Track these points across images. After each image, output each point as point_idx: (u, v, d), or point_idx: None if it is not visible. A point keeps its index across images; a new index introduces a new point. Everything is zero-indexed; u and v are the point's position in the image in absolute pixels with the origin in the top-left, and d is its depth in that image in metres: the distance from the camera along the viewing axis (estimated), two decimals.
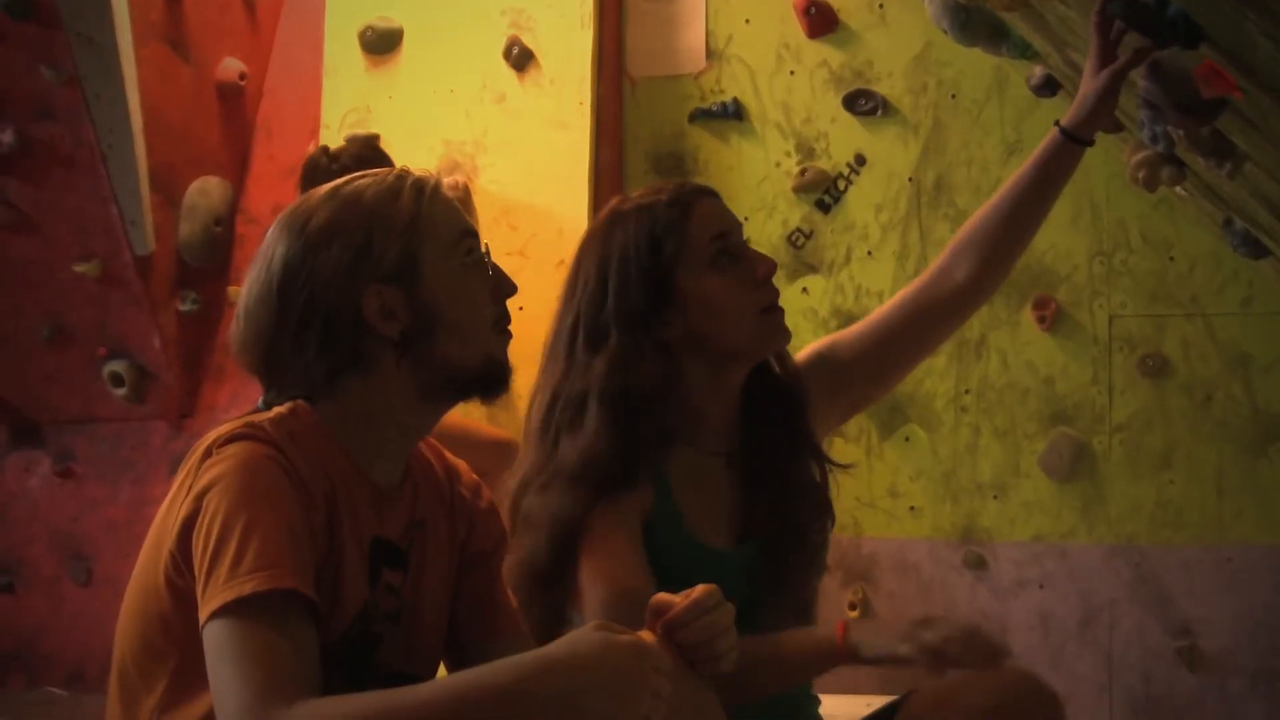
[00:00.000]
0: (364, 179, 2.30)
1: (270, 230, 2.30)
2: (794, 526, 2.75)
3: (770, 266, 2.76)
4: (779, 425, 2.80)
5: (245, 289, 2.28)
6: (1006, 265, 3.00)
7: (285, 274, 2.23)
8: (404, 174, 2.33)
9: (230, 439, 2.12)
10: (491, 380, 2.34)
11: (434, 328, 2.25)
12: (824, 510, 2.84)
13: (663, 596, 2.14)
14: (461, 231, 2.32)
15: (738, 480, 2.78)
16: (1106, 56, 2.84)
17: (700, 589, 2.13)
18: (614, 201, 2.83)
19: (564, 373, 2.74)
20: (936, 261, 2.97)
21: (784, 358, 2.87)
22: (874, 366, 2.97)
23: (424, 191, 2.30)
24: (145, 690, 2.14)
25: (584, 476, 2.62)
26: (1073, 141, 2.91)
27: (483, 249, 2.35)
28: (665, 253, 2.70)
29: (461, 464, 2.51)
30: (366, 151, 5.46)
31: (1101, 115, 2.90)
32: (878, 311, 2.98)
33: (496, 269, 2.36)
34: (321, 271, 2.21)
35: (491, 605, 2.44)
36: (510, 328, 2.38)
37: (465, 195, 5.72)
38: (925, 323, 2.96)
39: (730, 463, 2.78)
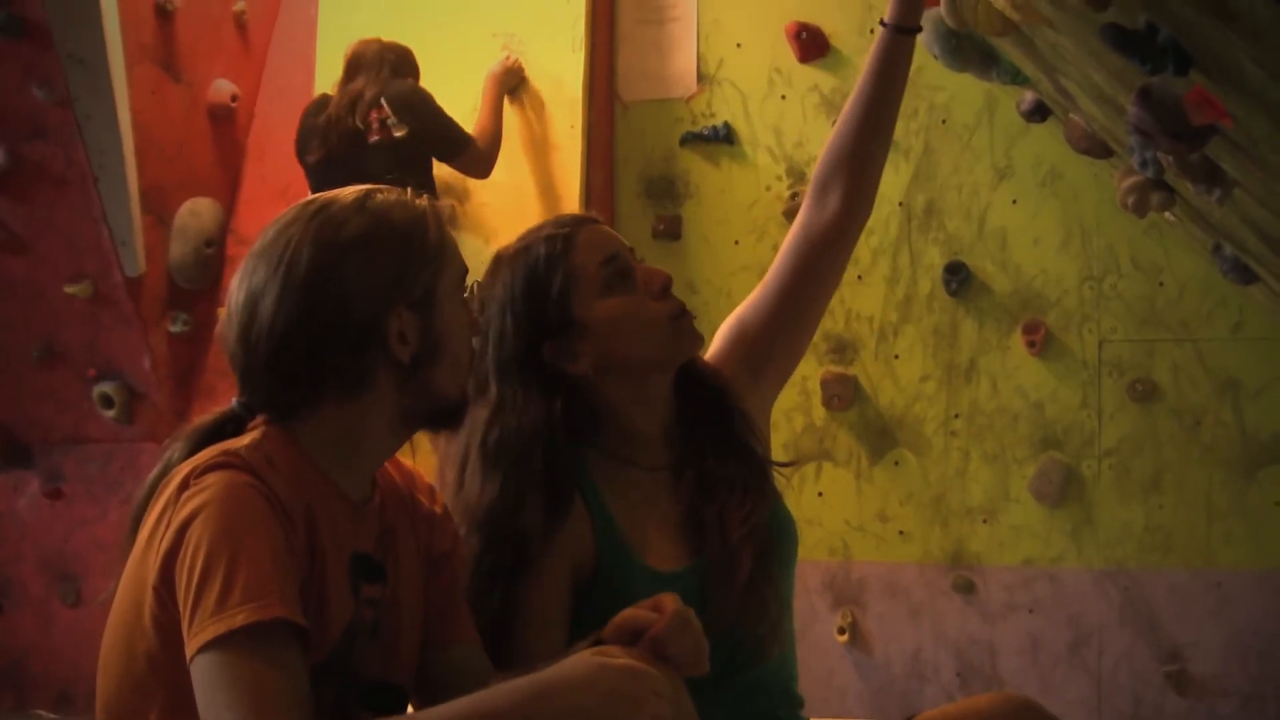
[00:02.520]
0: (384, 195, 2.29)
1: (279, 230, 2.24)
2: (728, 527, 2.73)
3: (665, 278, 2.74)
4: (710, 428, 2.79)
5: (248, 286, 2.22)
6: (872, 176, 2.99)
7: (311, 278, 2.19)
8: (419, 197, 2.33)
9: (207, 469, 2.09)
10: (458, 414, 2.36)
11: (435, 358, 2.25)
12: (757, 503, 2.80)
13: (633, 613, 2.12)
14: (464, 268, 2.34)
15: (684, 492, 2.77)
16: None
17: (669, 600, 2.12)
18: (500, 249, 2.80)
19: (491, 414, 2.72)
20: (806, 200, 2.96)
21: (699, 364, 2.85)
22: (786, 323, 2.94)
23: (442, 221, 2.32)
24: None
25: (486, 529, 2.60)
26: (901, 33, 2.94)
27: (469, 288, 2.37)
28: (554, 288, 2.68)
29: (416, 469, 2.51)
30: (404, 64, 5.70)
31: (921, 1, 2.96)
32: (769, 272, 2.96)
33: (470, 307, 2.38)
34: (352, 284, 2.19)
35: (450, 610, 2.43)
36: None
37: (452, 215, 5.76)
38: (818, 261, 2.93)
39: (676, 475, 2.77)
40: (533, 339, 2.65)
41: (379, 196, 2.28)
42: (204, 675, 1.94)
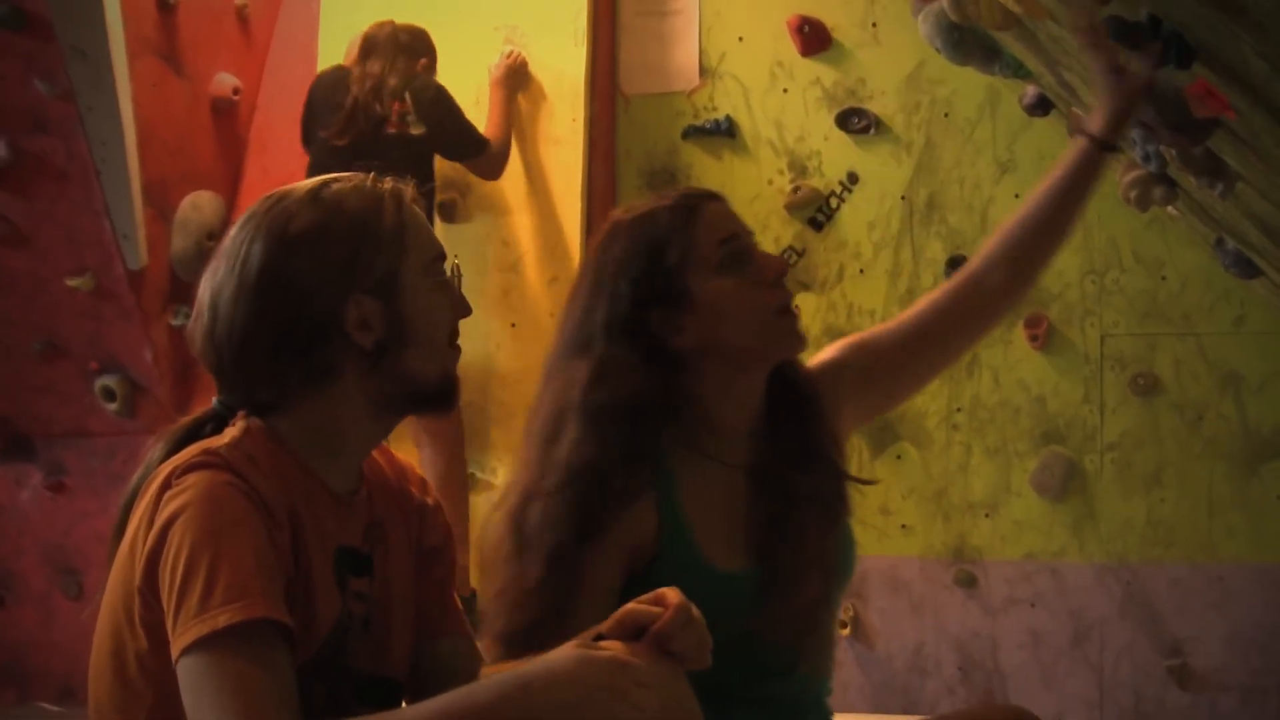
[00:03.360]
0: (340, 183, 2.28)
1: (238, 227, 2.26)
2: (802, 542, 2.72)
3: (781, 267, 2.73)
4: (796, 435, 2.78)
5: (210, 286, 2.23)
6: (1036, 273, 2.99)
7: (264, 276, 2.18)
8: (379, 181, 2.31)
9: (188, 468, 2.08)
10: (445, 395, 2.33)
11: (404, 341, 2.23)
12: (836, 524, 2.81)
13: (635, 608, 2.11)
14: (436, 249, 2.31)
15: (754, 494, 2.75)
16: (1113, 59, 2.84)
17: (671, 594, 2.12)
18: (616, 212, 2.81)
19: (555, 385, 2.71)
20: (969, 265, 2.95)
21: (797, 367, 2.84)
22: (901, 366, 2.93)
23: (403, 203, 2.29)
24: None
25: (565, 493, 2.60)
26: (1103, 150, 2.89)
27: (450, 268, 2.35)
28: (670, 258, 2.67)
29: (408, 461, 2.50)
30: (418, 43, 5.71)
31: (1128, 117, 2.90)
32: (907, 314, 2.95)
33: (455, 287, 2.36)
34: (304, 277, 2.18)
35: (441, 604, 2.42)
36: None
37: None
38: (954, 326, 2.94)
39: (750, 476, 2.76)
40: (644, 305, 2.65)
41: (334, 186, 2.26)
42: (189, 677, 1.94)
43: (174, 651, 1.95)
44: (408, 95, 5.54)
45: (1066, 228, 2.96)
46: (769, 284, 2.69)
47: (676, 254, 2.66)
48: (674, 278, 2.66)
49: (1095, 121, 2.87)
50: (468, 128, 5.64)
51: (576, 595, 2.52)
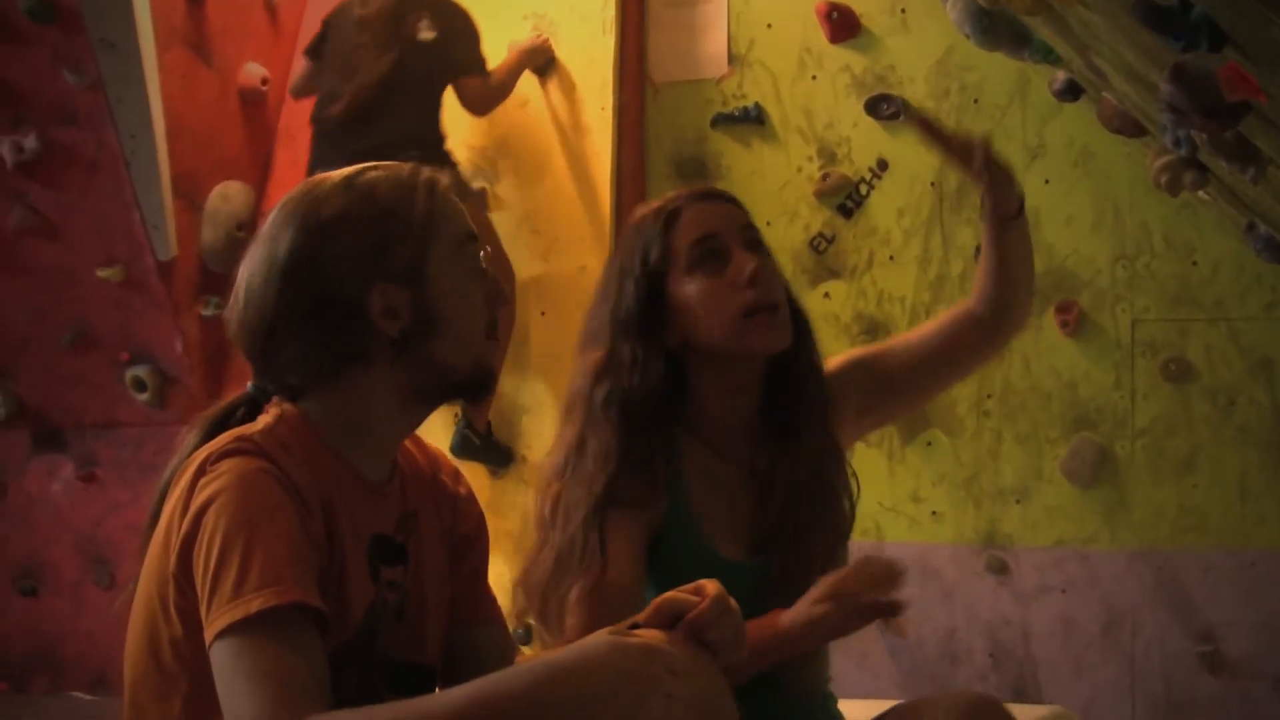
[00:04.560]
0: (375, 171, 2.29)
1: (275, 212, 2.27)
2: (805, 537, 2.74)
3: (752, 266, 2.73)
4: (799, 433, 2.79)
5: (246, 269, 2.24)
6: (1014, 311, 3.01)
7: (292, 260, 2.20)
8: (416, 171, 2.32)
9: (222, 455, 2.09)
10: (478, 384, 2.33)
11: (433, 329, 2.23)
12: (838, 520, 2.83)
13: (673, 596, 2.12)
14: (467, 235, 2.31)
15: (756, 488, 2.77)
16: (956, 148, 2.93)
17: (710, 585, 2.12)
18: (638, 208, 2.87)
19: (574, 372, 2.78)
20: (964, 301, 3.00)
21: (805, 360, 2.85)
22: (911, 382, 2.96)
23: (435, 192, 2.29)
24: (160, 715, 2.13)
25: (579, 474, 2.66)
26: (1005, 222, 2.95)
27: (483, 256, 2.35)
28: (653, 259, 2.72)
29: (440, 451, 2.51)
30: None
31: (1007, 189, 2.96)
32: (921, 330, 2.99)
33: (492, 277, 2.35)
34: (331, 263, 2.19)
35: (475, 592, 2.44)
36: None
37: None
38: (965, 348, 2.97)
39: (750, 469, 2.78)
40: (640, 303, 2.72)
41: (369, 174, 2.28)
42: (222, 662, 1.94)
43: (207, 637, 1.96)
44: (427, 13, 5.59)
45: (1022, 287, 3.01)
46: (742, 284, 2.70)
47: (657, 255, 2.72)
48: (658, 280, 2.71)
49: (984, 203, 2.96)
50: (478, 47, 5.66)
51: (601, 550, 2.59)
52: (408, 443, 2.41)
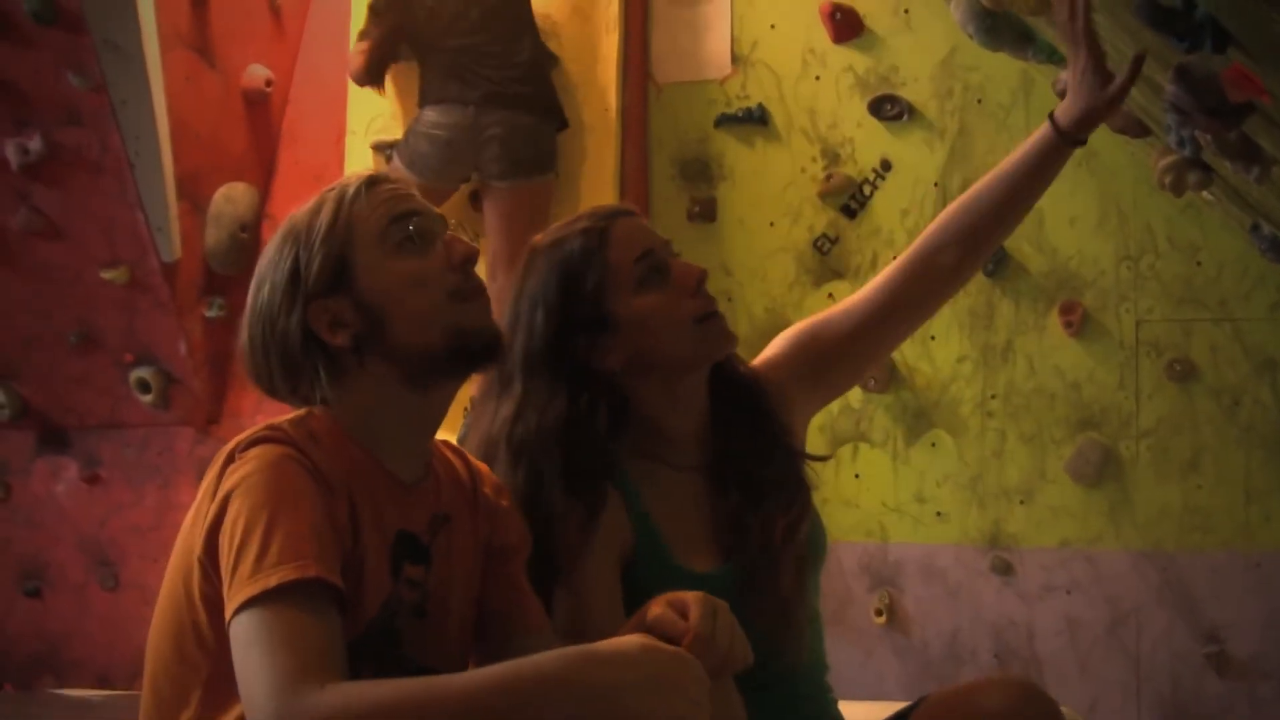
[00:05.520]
0: (307, 204, 2.35)
1: None
2: (771, 533, 2.73)
3: (699, 274, 2.72)
4: (747, 430, 2.79)
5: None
6: (988, 253, 3.01)
7: (249, 310, 2.32)
8: (330, 188, 2.35)
9: (251, 443, 2.14)
10: (470, 350, 2.33)
11: (383, 322, 2.26)
12: (802, 511, 2.81)
13: (662, 617, 2.13)
14: (389, 219, 2.31)
15: (715, 493, 2.76)
16: (1097, 58, 2.80)
17: (694, 610, 2.12)
18: (534, 239, 2.79)
19: (481, 422, 2.72)
20: (917, 244, 2.94)
21: (736, 361, 2.85)
22: (859, 348, 2.94)
23: (345, 196, 2.31)
24: (179, 702, 2.14)
25: (561, 508, 2.61)
26: (1068, 143, 2.87)
27: (425, 224, 2.34)
28: (588, 284, 2.67)
29: (484, 467, 2.52)
30: None
31: (1100, 121, 2.87)
32: (859, 294, 2.96)
33: (451, 239, 2.34)
34: (267, 303, 2.29)
35: (519, 601, 2.45)
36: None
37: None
38: (907, 305, 2.94)
39: (707, 476, 2.77)
40: (564, 334, 2.65)
41: (297, 211, 2.36)
42: (240, 633, 1.96)
43: (227, 612, 1.99)
44: None
45: (1021, 214, 2.97)
46: (690, 293, 2.70)
47: (594, 278, 2.67)
48: (594, 303, 2.66)
49: (1066, 115, 2.84)
50: None
51: (587, 610, 2.55)
52: (450, 454, 2.45)
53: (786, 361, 2.90)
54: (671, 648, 2.00)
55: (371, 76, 5.76)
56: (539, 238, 2.77)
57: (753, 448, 2.76)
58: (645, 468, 2.71)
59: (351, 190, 2.32)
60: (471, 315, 2.33)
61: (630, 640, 1.98)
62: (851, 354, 2.94)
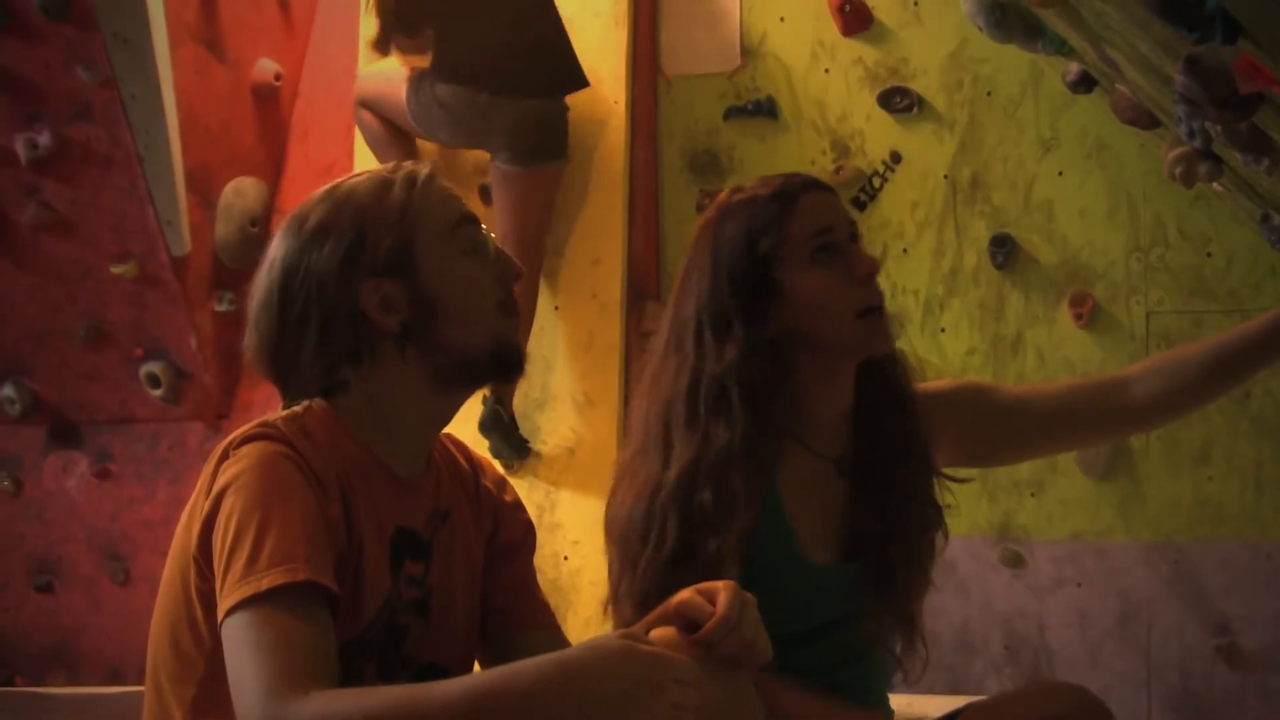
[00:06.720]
0: (357, 177, 2.33)
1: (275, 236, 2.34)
2: (901, 539, 2.72)
3: (873, 266, 2.71)
4: (890, 432, 2.77)
5: (251, 295, 2.32)
6: (1182, 410, 2.93)
7: (283, 276, 2.26)
8: (396, 168, 2.34)
9: (245, 440, 2.14)
10: (503, 363, 2.34)
11: (434, 315, 2.26)
12: (934, 522, 2.80)
13: (689, 601, 2.13)
14: (458, 218, 2.32)
15: (847, 488, 2.74)
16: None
17: (723, 596, 2.12)
18: (724, 194, 2.79)
19: (695, 362, 2.69)
20: (1129, 372, 2.90)
21: (896, 365, 2.83)
22: (1017, 431, 2.90)
23: (415, 182, 2.31)
24: (177, 698, 2.15)
25: (738, 462, 2.59)
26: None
27: (484, 234, 2.35)
28: (762, 248, 2.66)
29: (486, 460, 2.52)
30: None
31: None
32: (1043, 387, 2.96)
33: (501, 254, 2.36)
34: (316, 270, 2.24)
35: (524, 597, 2.45)
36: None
37: None
38: (1083, 420, 2.89)
39: (840, 469, 2.75)
40: (735, 293, 2.66)
41: (349, 180, 2.34)
42: (232, 636, 1.97)
43: (220, 614, 1.99)
44: None
45: (1231, 386, 2.91)
46: (859, 282, 2.68)
47: (769, 243, 2.66)
48: (765, 267, 2.65)
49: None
50: None
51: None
52: (452, 447, 2.44)
53: (947, 400, 2.88)
54: (650, 649, 1.98)
55: (383, 47, 5.68)
56: (730, 191, 2.79)
57: (893, 452, 2.74)
58: (788, 446, 2.70)
59: (421, 178, 2.32)
60: (512, 330, 2.36)
61: (609, 646, 1.96)
62: (1005, 433, 2.91)
